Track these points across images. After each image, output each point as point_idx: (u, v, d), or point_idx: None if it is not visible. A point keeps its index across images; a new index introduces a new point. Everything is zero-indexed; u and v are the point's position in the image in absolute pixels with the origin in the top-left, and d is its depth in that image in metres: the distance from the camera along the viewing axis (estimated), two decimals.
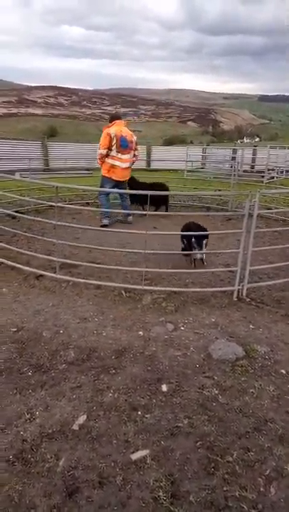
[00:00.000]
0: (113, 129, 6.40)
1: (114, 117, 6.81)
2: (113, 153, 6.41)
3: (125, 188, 6.90)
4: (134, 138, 6.68)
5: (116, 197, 7.42)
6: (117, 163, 6.49)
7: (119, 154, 6.45)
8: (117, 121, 6.66)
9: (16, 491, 1.77)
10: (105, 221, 6.61)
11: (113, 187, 6.55)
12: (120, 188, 6.69)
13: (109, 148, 6.37)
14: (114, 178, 6.57)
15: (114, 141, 6.34)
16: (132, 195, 7.18)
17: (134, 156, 6.78)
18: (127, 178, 6.85)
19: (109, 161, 6.48)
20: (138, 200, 7.46)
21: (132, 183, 7.41)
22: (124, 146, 6.41)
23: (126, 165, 6.60)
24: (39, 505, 1.72)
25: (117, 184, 6.67)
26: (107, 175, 6.60)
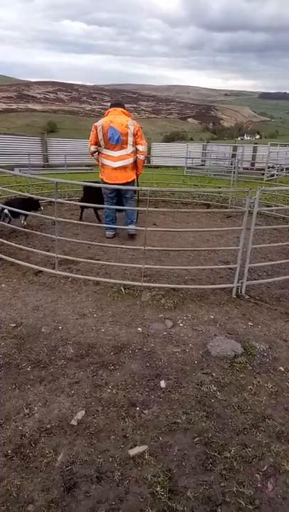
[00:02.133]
0: (102, 120, 5.21)
1: (111, 105, 5.50)
2: (103, 149, 5.25)
3: (128, 193, 5.43)
4: (132, 129, 5.11)
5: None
6: (106, 161, 5.27)
7: (108, 151, 5.20)
8: (111, 109, 5.33)
9: (14, 486, 1.78)
10: (107, 233, 5.54)
11: (113, 191, 5.42)
12: (122, 193, 5.43)
13: (98, 144, 5.24)
14: (105, 180, 5.34)
15: (102, 135, 5.15)
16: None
17: (137, 151, 5.28)
18: (127, 181, 5.29)
19: (100, 159, 5.36)
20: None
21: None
22: (112, 140, 5.09)
23: (118, 164, 5.19)
24: (37, 500, 1.72)
25: (117, 188, 5.21)
26: (100, 176, 5.52)
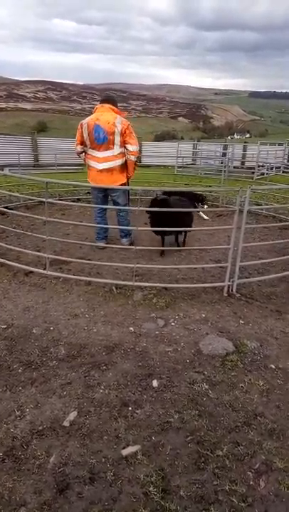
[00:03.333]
0: (88, 118, 4.80)
1: (100, 101, 5.03)
2: (88, 149, 4.84)
3: (118, 199, 5.00)
4: (119, 127, 4.62)
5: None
6: (91, 163, 4.87)
7: (94, 151, 4.78)
8: (99, 105, 4.90)
9: (6, 488, 1.77)
10: (98, 243, 5.01)
11: (100, 194, 5.03)
12: (110, 198, 5.10)
13: (84, 144, 4.82)
14: (90, 182, 5.02)
15: (87, 134, 4.71)
16: None
17: (127, 151, 4.80)
18: (114, 184, 4.84)
19: (86, 160, 4.97)
20: None
21: None
22: (98, 139, 4.65)
23: (103, 166, 4.76)
24: (30, 502, 1.71)
25: (103, 191, 4.99)
26: (87, 178, 5.15)
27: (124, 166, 4.89)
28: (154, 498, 1.74)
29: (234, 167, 14.06)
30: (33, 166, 13.07)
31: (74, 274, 4.07)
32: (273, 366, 2.74)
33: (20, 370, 2.59)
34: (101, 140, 4.65)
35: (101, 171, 4.79)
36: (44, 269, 4.06)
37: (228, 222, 6.44)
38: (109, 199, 5.17)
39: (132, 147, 4.78)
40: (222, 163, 10.38)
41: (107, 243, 5.06)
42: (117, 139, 4.67)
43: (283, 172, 13.39)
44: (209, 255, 4.98)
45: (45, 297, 3.62)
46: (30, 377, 2.52)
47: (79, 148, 4.90)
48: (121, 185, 4.87)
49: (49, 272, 3.99)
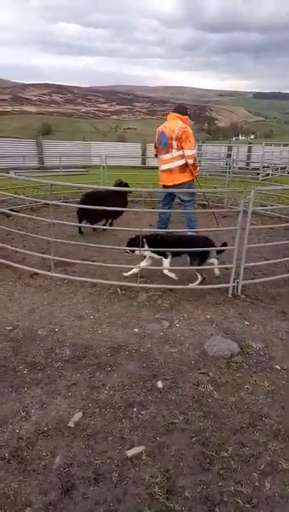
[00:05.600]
0: (161, 125, 5.39)
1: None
2: (158, 153, 5.43)
3: (185, 196, 5.40)
4: (176, 132, 5.06)
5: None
6: (159, 164, 5.47)
7: (160, 154, 5.36)
8: (170, 114, 5.46)
9: (12, 489, 1.78)
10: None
11: (167, 194, 5.57)
12: (175, 197, 5.50)
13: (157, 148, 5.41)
14: (160, 182, 5.59)
15: (155, 139, 5.41)
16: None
17: (184, 155, 5.15)
18: (174, 183, 5.27)
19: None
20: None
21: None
22: (161, 144, 5.25)
23: (164, 167, 5.30)
24: (35, 503, 1.72)
25: (170, 191, 5.48)
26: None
27: (184, 167, 5.23)
28: (159, 498, 1.74)
29: (239, 168, 14.03)
30: (38, 169, 13.14)
31: (79, 276, 4.09)
32: (278, 367, 2.73)
33: (25, 371, 2.60)
34: (162, 144, 5.21)
35: (163, 171, 5.34)
36: (49, 270, 4.08)
37: (233, 223, 6.42)
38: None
39: (187, 151, 5.14)
40: (227, 164, 10.35)
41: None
42: (174, 143, 5.11)
43: (288, 173, 13.34)
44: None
45: (50, 299, 3.63)
46: (35, 378, 2.53)
47: (154, 151, 5.59)
48: (184, 183, 5.28)
49: (54, 274, 4.01)
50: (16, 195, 6.71)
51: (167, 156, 5.24)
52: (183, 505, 1.71)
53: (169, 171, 5.28)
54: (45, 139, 17.51)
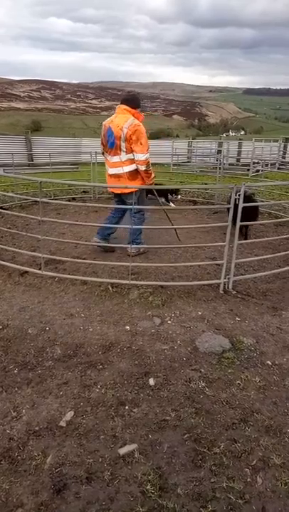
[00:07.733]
0: (108, 119, 4.48)
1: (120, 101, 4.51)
2: (105, 152, 4.54)
3: (130, 205, 4.20)
4: (125, 132, 4.16)
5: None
6: (106, 165, 4.59)
7: (107, 155, 4.47)
8: (118, 107, 4.45)
9: (3, 490, 1.76)
10: (95, 237, 4.75)
11: (116, 198, 4.79)
12: (121, 203, 4.61)
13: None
14: (108, 188, 4.82)
15: (102, 136, 4.50)
16: None
17: (134, 159, 4.28)
18: (122, 192, 4.48)
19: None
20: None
21: None
22: (109, 143, 4.33)
23: (112, 171, 4.45)
24: (26, 503, 1.70)
25: (117, 196, 4.70)
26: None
27: (134, 173, 4.41)
28: (151, 496, 1.74)
29: (229, 164, 14.06)
30: (28, 166, 13.02)
31: (69, 274, 4.06)
32: (270, 363, 2.75)
33: (16, 371, 2.58)
34: (110, 144, 4.33)
35: (110, 175, 4.52)
36: (39, 269, 4.04)
37: (224, 219, 6.44)
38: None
39: (139, 155, 4.26)
40: (217, 160, 10.37)
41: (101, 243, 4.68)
42: (123, 145, 4.24)
43: (278, 168, 13.41)
44: (205, 253, 4.98)
45: (40, 297, 3.60)
46: (26, 378, 2.51)
47: (101, 149, 4.62)
48: (130, 192, 4.35)
49: (44, 272, 3.98)
50: (5, 193, 6.64)
51: (115, 159, 4.36)
52: (175, 503, 1.71)
53: (117, 176, 4.42)
54: (35, 136, 17.36)
